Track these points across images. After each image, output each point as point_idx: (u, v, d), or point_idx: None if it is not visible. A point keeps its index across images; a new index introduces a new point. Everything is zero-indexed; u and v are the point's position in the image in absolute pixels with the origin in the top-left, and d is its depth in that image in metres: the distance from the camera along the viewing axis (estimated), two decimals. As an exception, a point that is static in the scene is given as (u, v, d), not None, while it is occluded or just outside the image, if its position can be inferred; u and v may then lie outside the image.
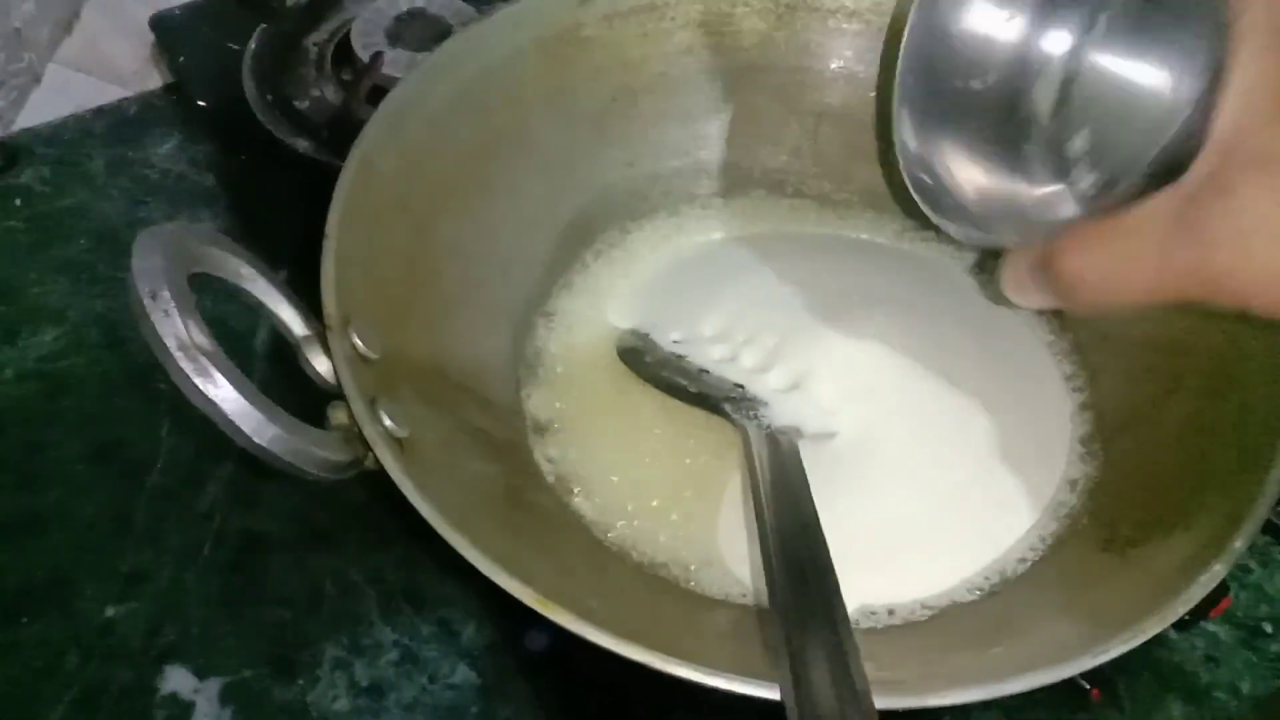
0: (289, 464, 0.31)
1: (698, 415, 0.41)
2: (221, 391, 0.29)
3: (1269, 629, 0.53)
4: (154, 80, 0.74)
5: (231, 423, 0.29)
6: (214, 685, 0.50)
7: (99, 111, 0.72)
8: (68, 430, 0.58)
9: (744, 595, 0.38)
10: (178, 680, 0.50)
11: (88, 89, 0.72)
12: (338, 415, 0.34)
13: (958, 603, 0.38)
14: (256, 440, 0.30)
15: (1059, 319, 0.46)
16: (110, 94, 0.73)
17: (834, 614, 0.31)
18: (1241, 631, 0.53)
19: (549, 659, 0.46)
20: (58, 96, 0.71)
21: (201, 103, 0.66)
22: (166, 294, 0.28)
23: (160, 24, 0.68)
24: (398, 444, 0.34)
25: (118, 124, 0.72)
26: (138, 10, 0.70)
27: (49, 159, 0.69)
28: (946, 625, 0.36)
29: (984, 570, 0.38)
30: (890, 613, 0.37)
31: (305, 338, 0.35)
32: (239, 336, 0.62)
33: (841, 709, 0.27)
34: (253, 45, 0.65)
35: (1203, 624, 0.52)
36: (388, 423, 0.34)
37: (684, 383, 0.41)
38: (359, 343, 0.35)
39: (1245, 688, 0.51)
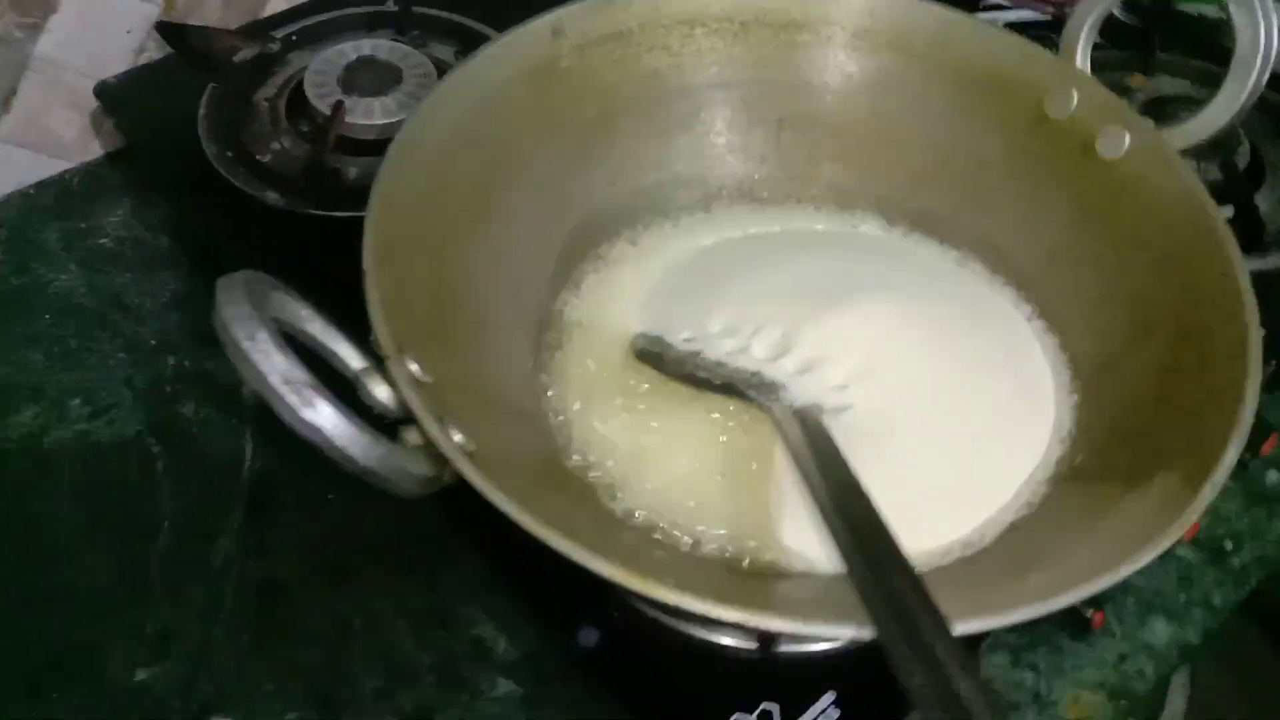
0: (391, 481, 0.33)
1: (716, 405, 0.44)
2: (327, 420, 0.30)
3: (1229, 546, 0.59)
4: (94, 150, 0.74)
5: (339, 448, 0.31)
6: (259, 732, 0.51)
7: (42, 185, 0.72)
8: (64, 503, 0.58)
9: (807, 565, 0.41)
10: (221, 732, 0.51)
11: (28, 163, 0.72)
12: (410, 437, 0.35)
13: (981, 546, 0.41)
14: (363, 462, 0.31)
15: (1027, 286, 0.50)
16: (53, 167, 0.73)
17: (900, 559, 0.34)
18: (1205, 552, 0.58)
19: (597, 656, 0.48)
20: (-1, 174, 0.70)
21: (156, 166, 0.67)
22: (264, 334, 0.30)
23: (105, 91, 0.68)
24: (470, 458, 0.36)
25: (64, 196, 0.72)
26: (76, 81, 0.70)
27: (-2, 238, 0.69)
28: (978, 566, 0.40)
29: (998, 513, 0.42)
30: (924, 562, 0.41)
31: (363, 370, 0.36)
32: (228, 387, 0.63)
33: (932, 636, 0.31)
34: (204, 105, 0.65)
35: (1173, 551, 0.57)
36: (458, 438, 0.35)
37: (706, 375, 0.44)
38: (415, 368, 0.37)
39: (1217, 600, 0.57)
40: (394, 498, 0.58)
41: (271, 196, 0.61)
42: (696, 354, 0.45)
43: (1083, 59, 0.50)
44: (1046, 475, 0.43)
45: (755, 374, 0.44)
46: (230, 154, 0.63)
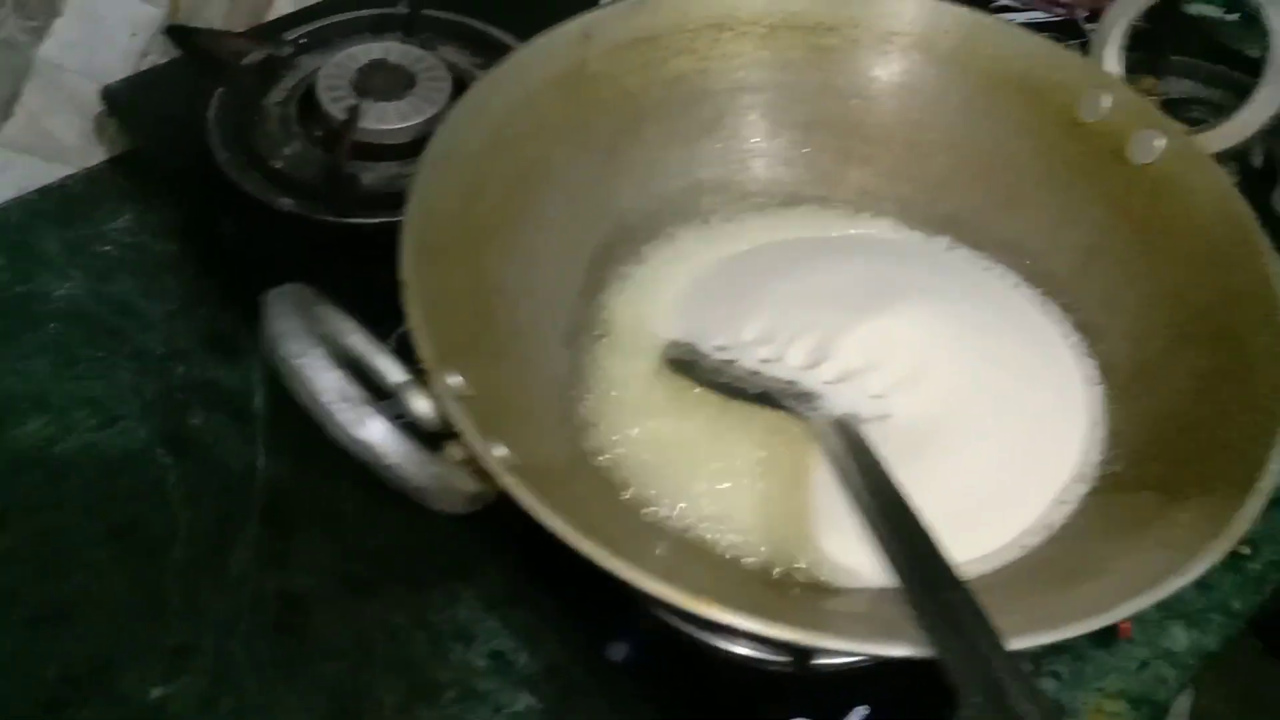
0: (441, 499, 0.32)
1: (753, 415, 0.44)
2: (381, 437, 0.30)
3: (1247, 550, 0.58)
4: (96, 155, 0.73)
5: (392, 465, 0.30)
6: (281, 750, 0.50)
7: (45, 191, 0.71)
8: (77, 515, 0.57)
9: (851, 579, 0.40)
10: (243, 750, 0.50)
11: (29, 169, 0.70)
12: (453, 452, 0.35)
13: (1024, 555, 0.41)
14: (415, 481, 0.31)
15: (1059, 291, 0.50)
16: (54, 172, 0.71)
17: (950, 573, 0.33)
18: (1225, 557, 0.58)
19: (626, 670, 0.47)
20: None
21: (164, 172, 0.66)
22: (316, 351, 0.29)
23: (111, 95, 0.66)
24: (515, 473, 0.35)
25: (66, 202, 0.71)
26: (78, 85, 0.68)
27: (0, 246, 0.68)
28: (1022, 575, 0.40)
29: (1036, 522, 0.42)
30: (967, 571, 0.40)
31: (404, 383, 0.35)
32: (238, 395, 0.62)
33: (989, 652, 0.30)
34: (213, 109, 0.64)
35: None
36: (501, 452, 0.35)
37: (741, 385, 0.43)
38: (456, 381, 0.36)
39: (1236, 605, 0.56)
40: (410, 510, 0.57)
41: (285, 202, 0.60)
42: (730, 363, 0.45)
43: (1114, 62, 0.50)
44: (1085, 485, 0.43)
45: (791, 383, 0.43)
46: (242, 159, 0.62)
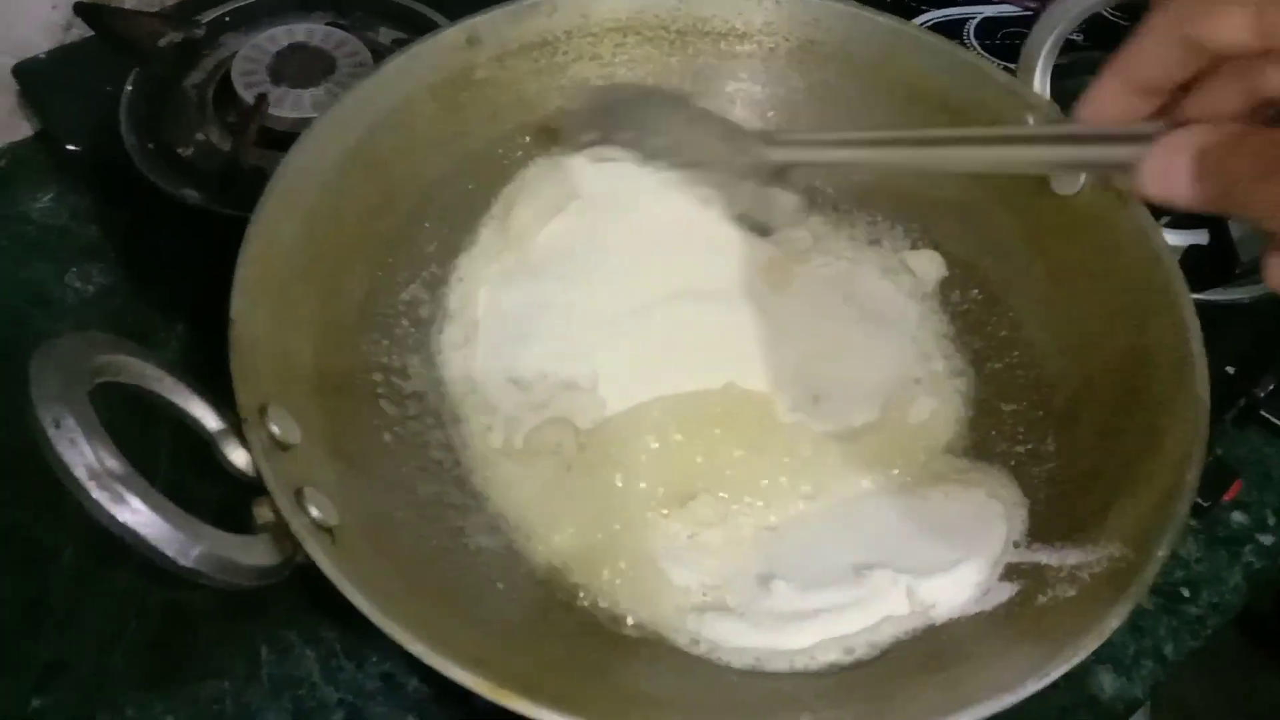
0: (221, 580, 0.30)
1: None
2: (140, 517, 0.28)
3: (1186, 593, 0.55)
4: (23, 129, 0.70)
5: (154, 548, 0.28)
6: (156, 769, 0.49)
7: (-37, 168, 0.69)
8: (-42, 519, 0.55)
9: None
10: (117, 769, 0.49)
11: (-50, 145, 0.68)
12: (263, 512, 0.33)
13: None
14: (182, 563, 0.29)
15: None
16: (-25, 148, 0.69)
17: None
18: (1160, 598, 0.55)
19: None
20: (-82, 155, 0.67)
21: (75, 149, 0.63)
22: (71, 420, 0.27)
23: (25, 72, 0.64)
24: (328, 534, 0.33)
25: (-13, 178, 0.68)
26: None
27: (-86, 222, 0.66)
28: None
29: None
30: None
31: (220, 431, 0.33)
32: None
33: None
34: (128, 91, 0.62)
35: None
36: (315, 513, 0.33)
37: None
38: (277, 430, 0.34)
39: (1169, 652, 0.54)
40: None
41: (190, 195, 0.58)
42: None
43: (1042, 82, 0.46)
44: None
45: None
46: (151, 146, 0.60)
